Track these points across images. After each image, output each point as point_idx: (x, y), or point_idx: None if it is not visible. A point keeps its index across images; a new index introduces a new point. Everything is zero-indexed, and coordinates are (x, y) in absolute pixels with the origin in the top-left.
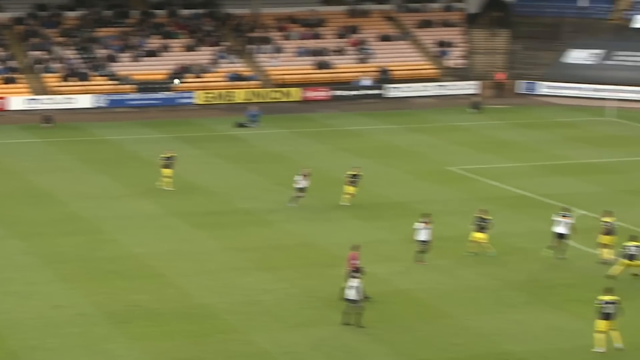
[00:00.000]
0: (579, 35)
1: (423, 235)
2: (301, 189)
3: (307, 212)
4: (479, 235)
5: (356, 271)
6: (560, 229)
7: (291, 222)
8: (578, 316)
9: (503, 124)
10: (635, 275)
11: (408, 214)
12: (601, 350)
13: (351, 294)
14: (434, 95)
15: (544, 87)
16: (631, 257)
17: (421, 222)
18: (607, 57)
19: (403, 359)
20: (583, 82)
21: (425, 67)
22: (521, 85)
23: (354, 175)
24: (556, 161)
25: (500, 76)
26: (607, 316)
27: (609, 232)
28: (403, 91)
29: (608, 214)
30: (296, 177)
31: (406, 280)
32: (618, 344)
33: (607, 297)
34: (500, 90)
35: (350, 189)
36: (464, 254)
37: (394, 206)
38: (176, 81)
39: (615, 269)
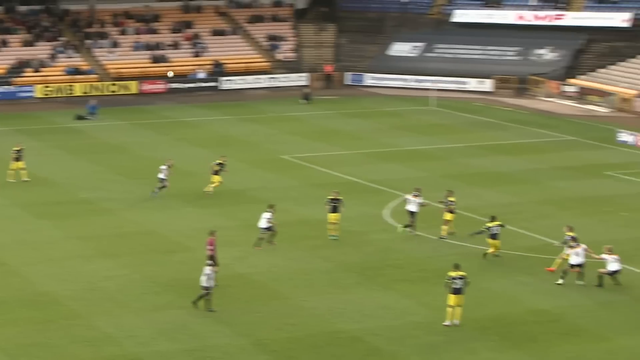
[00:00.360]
0: (402, 29)
1: (264, 223)
2: (162, 180)
3: (147, 201)
4: (333, 216)
5: (210, 259)
6: (411, 208)
7: (132, 210)
8: (406, 295)
9: (332, 113)
10: (496, 256)
11: (244, 201)
12: (447, 324)
13: (203, 280)
14: (267, 87)
15: (370, 79)
16: (494, 237)
17: (268, 212)
18: (427, 49)
19: (242, 340)
20: (406, 74)
21: (258, 60)
22: (348, 77)
23: (220, 164)
24: (383, 148)
25: (329, 68)
26: (455, 291)
27: (451, 210)
28: (237, 83)
29: (450, 193)
30: (161, 167)
31: (244, 264)
32: (456, 320)
33: (454, 273)
34: (329, 82)
35: (216, 178)
36: (329, 236)
37: (231, 194)
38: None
39: (490, 250)
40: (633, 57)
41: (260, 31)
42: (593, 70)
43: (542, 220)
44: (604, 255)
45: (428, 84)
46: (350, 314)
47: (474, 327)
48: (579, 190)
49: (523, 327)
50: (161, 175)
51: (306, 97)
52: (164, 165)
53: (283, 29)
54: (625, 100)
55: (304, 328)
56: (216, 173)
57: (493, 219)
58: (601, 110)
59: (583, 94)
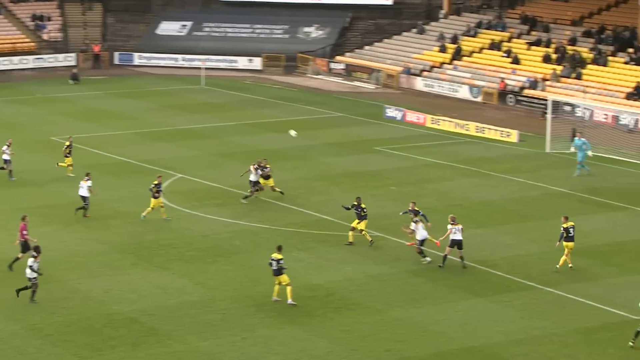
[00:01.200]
0: (169, 8)
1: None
2: (7, 161)
3: None
4: (155, 201)
5: (35, 250)
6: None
7: None
8: (181, 274)
9: (102, 94)
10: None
11: (14, 184)
12: (275, 299)
13: (27, 272)
14: (33, 67)
15: (139, 58)
16: (361, 218)
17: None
18: (196, 28)
19: (14, 325)
20: (175, 53)
21: (23, 40)
22: (117, 57)
23: (69, 146)
24: (154, 128)
25: (96, 48)
26: (274, 272)
27: (267, 177)
28: (2, 64)
29: (265, 161)
30: (4, 148)
31: (17, 248)
32: (290, 299)
33: (274, 255)
34: (97, 62)
35: (68, 160)
36: (164, 218)
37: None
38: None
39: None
40: (397, 34)
41: (24, 11)
42: (359, 48)
43: (314, 196)
44: (449, 226)
45: (198, 62)
46: (126, 295)
47: (250, 304)
48: (350, 165)
49: (298, 303)
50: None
51: (75, 78)
52: (4, 145)
53: (48, 8)
54: (390, 76)
55: (79, 311)
56: (68, 155)
57: (359, 200)
58: (368, 86)
59: (350, 71)
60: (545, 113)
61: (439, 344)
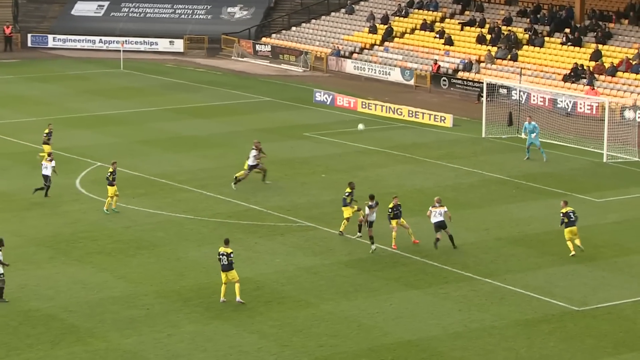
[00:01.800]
0: None
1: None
2: None
3: None
4: (111, 189)
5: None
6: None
7: None
8: (102, 268)
9: (14, 78)
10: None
11: None
12: (222, 300)
13: None
14: None
15: (54, 40)
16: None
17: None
18: (114, 8)
19: None
20: (92, 34)
21: None
22: (30, 39)
23: (48, 133)
24: (71, 114)
25: (8, 30)
26: (223, 267)
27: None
28: None
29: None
30: None
31: None
32: (238, 297)
33: (222, 249)
34: (9, 44)
35: (47, 148)
36: (112, 210)
37: None
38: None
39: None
40: (325, 14)
41: None
42: (286, 29)
43: (241, 185)
44: (431, 208)
45: (116, 45)
46: (43, 291)
47: (176, 299)
48: (278, 152)
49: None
50: None
51: None
52: None
53: None
54: (319, 59)
55: None
56: (46, 143)
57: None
58: (296, 69)
59: (277, 53)
60: (481, 96)
61: (374, 339)
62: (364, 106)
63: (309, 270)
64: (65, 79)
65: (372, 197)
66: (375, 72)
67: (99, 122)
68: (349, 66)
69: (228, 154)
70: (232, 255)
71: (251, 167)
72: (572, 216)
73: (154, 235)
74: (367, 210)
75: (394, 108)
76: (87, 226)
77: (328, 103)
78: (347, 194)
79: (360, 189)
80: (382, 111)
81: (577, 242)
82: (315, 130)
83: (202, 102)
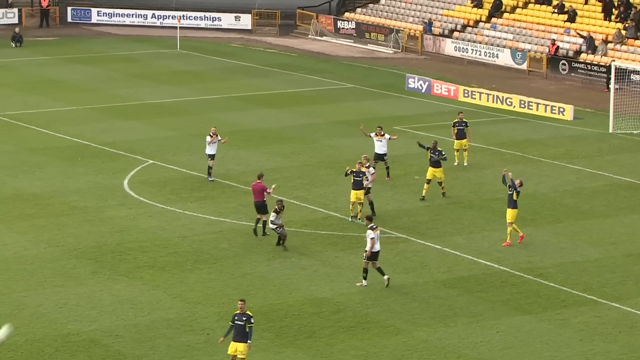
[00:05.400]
0: None
1: None
2: None
3: None
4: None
5: None
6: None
7: None
8: (154, 285)
9: (51, 59)
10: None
11: None
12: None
13: None
14: None
15: (97, 15)
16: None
17: None
18: None
19: None
20: (143, 8)
21: None
22: (70, 13)
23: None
24: (118, 102)
25: (44, 2)
26: (237, 336)
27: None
28: None
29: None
30: None
31: None
32: None
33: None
34: (46, 19)
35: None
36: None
37: None
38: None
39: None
40: None
41: None
42: (374, 2)
43: (319, 188)
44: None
45: (172, 20)
46: (84, 312)
47: None
48: (363, 149)
49: (300, 321)
50: None
51: (17, 39)
52: None
53: None
54: (413, 38)
55: (27, 331)
56: None
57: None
58: (385, 51)
59: (362, 32)
60: (608, 84)
61: None
62: (466, 95)
63: (399, 290)
64: (111, 61)
65: (370, 218)
66: (480, 54)
67: (150, 112)
68: (448, 47)
69: (302, 151)
70: (252, 321)
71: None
72: None
73: (216, 246)
74: (370, 234)
75: (503, 97)
76: (136, 235)
77: (423, 91)
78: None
79: (459, 193)
80: (488, 101)
81: None
82: (407, 123)
83: (273, 89)
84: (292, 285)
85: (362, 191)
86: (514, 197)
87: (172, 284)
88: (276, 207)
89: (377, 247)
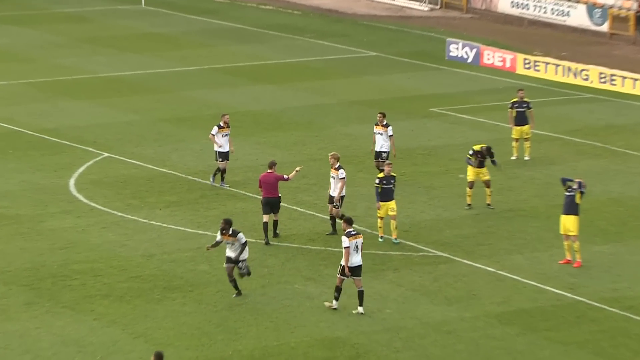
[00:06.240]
0: None
1: None
2: None
3: None
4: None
5: None
6: None
7: None
8: (110, 321)
9: None
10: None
11: None
12: None
13: None
14: None
15: None
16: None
17: None
18: None
19: None
20: None
21: None
22: None
23: None
24: (62, 76)
25: None
26: None
27: None
28: None
29: None
30: None
31: None
32: None
33: None
34: None
35: None
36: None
37: None
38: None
39: None
40: None
41: None
42: None
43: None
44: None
45: None
46: (15, 357)
47: None
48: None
49: None
50: None
51: None
52: None
53: None
54: None
55: None
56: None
57: None
58: (419, 7)
59: None
60: None
61: None
62: (527, 65)
63: (439, 327)
64: (54, 21)
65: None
66: (545, 12)
67: (106, 89)
68: (502, 2)
69: (310, 141)
70: None
71: None
72: None
73: (193, 268)
74: (345, 242)
75: (577, 69)
76: (85, 254)
77: (470, 61)
78: None
79: (518, 198)
80: (556, 74)
81: None
82: (448, 103)
83: (270, 59)
84: (295, 321)
85: (394, 201)
86: (577, 199)
87: (133, 319)
88: (221, 224)
89: (358, 259)
